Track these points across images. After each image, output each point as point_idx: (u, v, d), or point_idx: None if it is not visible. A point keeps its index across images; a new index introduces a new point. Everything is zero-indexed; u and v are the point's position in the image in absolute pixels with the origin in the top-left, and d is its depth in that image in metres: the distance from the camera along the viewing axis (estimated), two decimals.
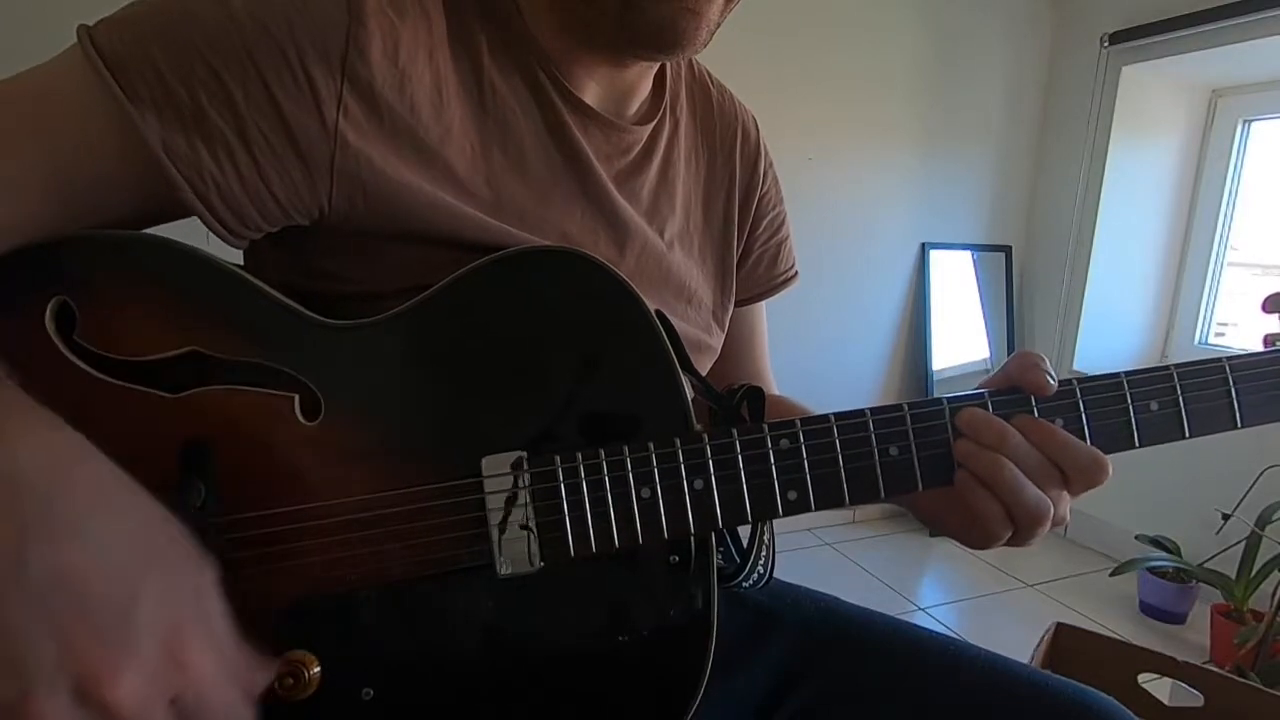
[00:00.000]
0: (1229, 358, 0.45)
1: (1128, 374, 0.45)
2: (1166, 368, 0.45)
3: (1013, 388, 0.45)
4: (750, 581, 0.51)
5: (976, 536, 0.45)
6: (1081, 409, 0.44)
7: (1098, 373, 0.45)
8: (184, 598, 0.32)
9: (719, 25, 0.48)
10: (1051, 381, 0.44)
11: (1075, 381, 0.44)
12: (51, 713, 0.29)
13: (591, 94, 0.52)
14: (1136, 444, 0.45)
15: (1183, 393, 0.45)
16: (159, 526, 0.34)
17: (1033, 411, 0.44)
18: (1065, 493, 0.43)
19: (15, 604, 0.29)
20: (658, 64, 0.56)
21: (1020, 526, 0.43)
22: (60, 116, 0.38)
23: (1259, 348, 0.48)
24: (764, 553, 0.51)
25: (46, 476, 0.30)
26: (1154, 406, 0.45)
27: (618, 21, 0.46)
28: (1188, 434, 0.45)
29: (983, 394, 0.44)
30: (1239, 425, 0.45)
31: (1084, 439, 0.44)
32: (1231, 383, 0.45)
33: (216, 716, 0.33)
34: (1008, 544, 0.44)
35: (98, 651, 0.29)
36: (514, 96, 0.48)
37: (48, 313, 0.38)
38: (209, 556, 0.35)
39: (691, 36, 0.46)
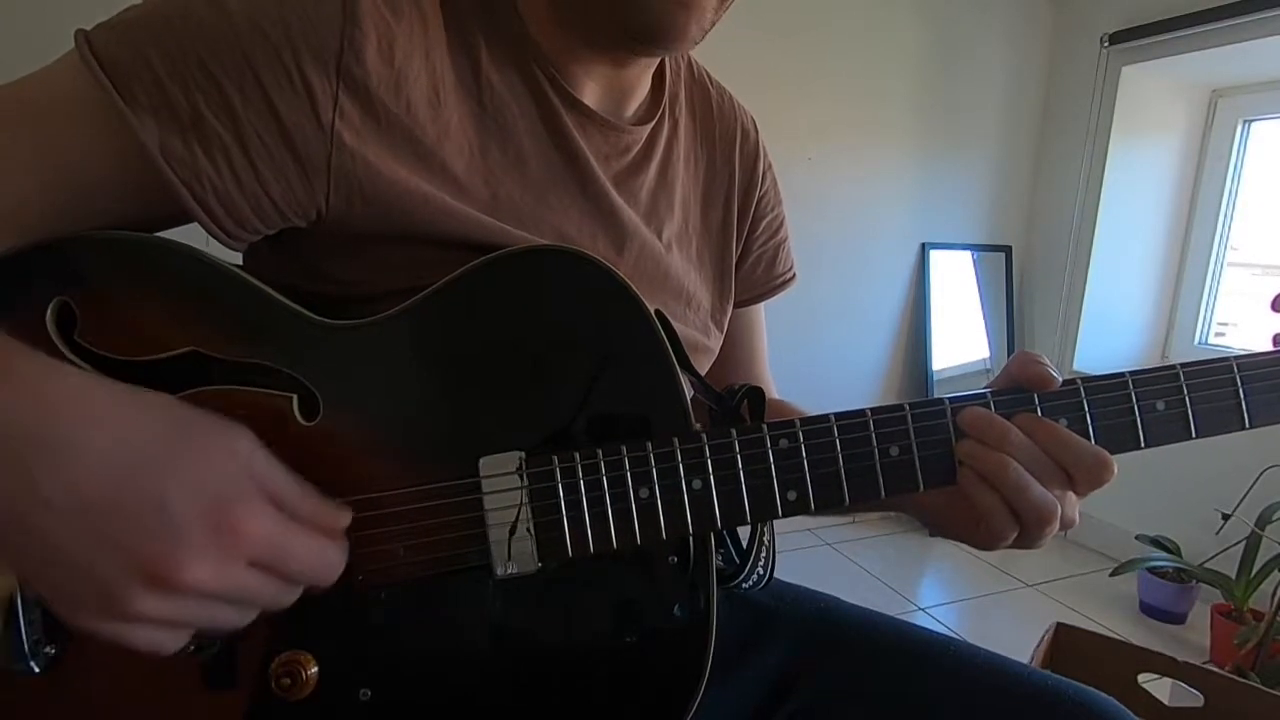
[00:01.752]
0: (1236, 357, 0.45)
1: (1133, 373, 0.44)
2: (1172, 367, 0.44)
3: (1015, 387, 0.44)
4: (750, 582, 0.51)
5: (983, 537, 0.44)
6: (1086, 408, 0.44)
7: (1100, 373, 0.44)
8: (217, 471, 0.33)
9: (715, 21, 0.48)
10: (1054, 375, 0.43)
11: (1079, 381, 0.44)
12: (142, 607, 0.31)
13: (590, 94, 0.52)
14: (1142, 444, 0.44)
15: (1189, 392, 0.44)
16: (172, 415, 0.35)
17: (1036, 411, 0.44)
18: (1071, 493, 0.43)
19: (56, 533, 0.30)
20: (656, 62, 0.56)
21: (1027, 525, 0.42)
22: (59, 121, 0.38)
23: (1268, 347, 0.47)
24: (764, 553, 0.51)
25: (33, 410, 0.31)
26: (1160, 406, 0.44)
27: (613, 16, 0.46)
28: (1195, 434, 0.44)
29: (985, 393, 0.44)
30: (1247, 426, 0.45)
31: (1088, 439, 0.43)
32: (1239, 382, 0.44)
33: (303, 562, 0.35)
34: (1015, 545, 0.43)
35: (151, 548, 0.31)
36: (512, 96, 0.48)
37: (48, 314, 0.38)
38: (237, 425, 0.36)
39: (687, 31, 0.46)
